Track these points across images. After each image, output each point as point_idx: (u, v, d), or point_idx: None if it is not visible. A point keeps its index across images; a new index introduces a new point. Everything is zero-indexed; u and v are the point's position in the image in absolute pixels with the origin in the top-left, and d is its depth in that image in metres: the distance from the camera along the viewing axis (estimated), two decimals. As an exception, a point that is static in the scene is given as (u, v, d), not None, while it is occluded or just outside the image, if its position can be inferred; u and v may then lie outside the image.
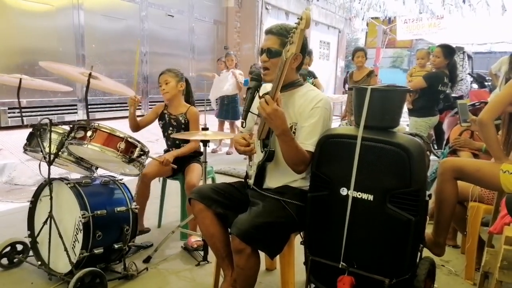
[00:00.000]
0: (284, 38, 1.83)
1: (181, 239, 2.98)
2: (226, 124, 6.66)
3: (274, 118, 1.69)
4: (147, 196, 2.92)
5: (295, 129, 1.91)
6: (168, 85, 2.97)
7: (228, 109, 6.28)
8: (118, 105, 7.15)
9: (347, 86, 6.30)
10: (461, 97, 6.09)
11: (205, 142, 2.59)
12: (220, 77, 6.25)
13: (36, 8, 5.85)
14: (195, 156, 3.06)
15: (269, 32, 1.94)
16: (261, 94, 1.77)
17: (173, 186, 3.18)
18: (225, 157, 6.20)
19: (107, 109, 7.02)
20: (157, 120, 3.12)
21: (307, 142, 1.86)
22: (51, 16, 6.07)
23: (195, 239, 2.80)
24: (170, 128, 3.02)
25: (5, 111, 5.52)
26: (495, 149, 2.14)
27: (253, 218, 1.76)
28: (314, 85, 5.47)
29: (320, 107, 1.90)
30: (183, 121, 3.01)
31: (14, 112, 5.55)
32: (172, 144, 3.03)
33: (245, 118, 1.88)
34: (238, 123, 6.53)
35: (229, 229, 1.92)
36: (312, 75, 5.77)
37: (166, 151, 3.10)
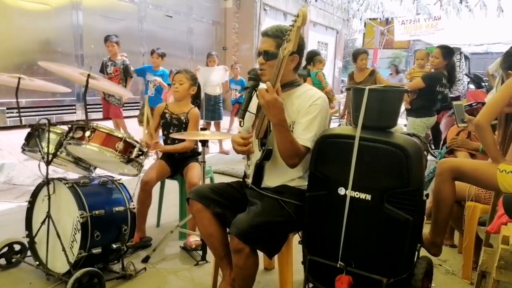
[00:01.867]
0: (280, 40, 1.84)
1: (180, 238, 2.98)
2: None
3: (272, 107, 1.68)
4: (148, 203, 2.86)
5: (293, 128, 1.92)
6: (182, 86, 2.99)
7: (214, 109, 6.28)
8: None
9: None
10: (458, 98, 6.11)
11: (204, 142, 2.60)
12: (207, 68, 6.17)
13: (34, 8, 5.84)
14: (193, 156, 3.07)
15: (265, 34, 1.95)
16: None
17: (172, 185, 3.19)
18: (223, 156, 6.21)
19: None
20: None
21: (303, 137, 1.86)
22: (50, 16, 6.07)
23: (194, 238, 2.80)
24: (171, 128, 3.03)
25: (3, 111, 5.52)
26: (493, 151, 2.16)
27: (252, 218, 1.77)
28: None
29: (318, 104, 1.91)
30: (184, 121, 3.02)
31: (12, 112, 5.54)
32: (172, 143, 3.03)
33: (243, 117, 1.88)
34: (222, 123, 6.58)
35: (227, 229, 1.93)
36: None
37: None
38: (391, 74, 10.37)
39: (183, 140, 2.97)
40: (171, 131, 3.01)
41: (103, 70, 5.50)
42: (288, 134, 1.80)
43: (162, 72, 5.60)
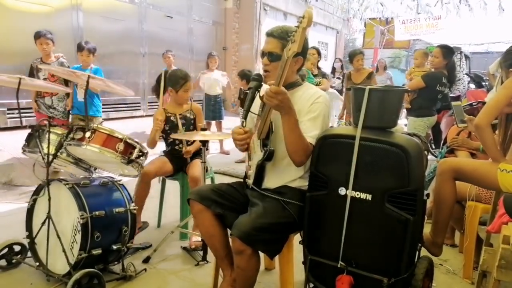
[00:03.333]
0: (285, 42, 1.82)
1: (181, 239, 2.98)
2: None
3: (285, 105, 1.70)
4: (146, 193, 2.91)
5: None
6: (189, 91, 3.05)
7: (215, 109, 6.27)
8: (117, 105, 7.13)
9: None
10: (458, 97, 6.11)
11: (204, 143, 2.60)
12: (207, 75, 6.18)
13: (35, 9, 5.84)
14: (196, 154, 3.06)
15: (270, 35, 1.94)
16: (261, 95, 1.78)
17: (173, 186, 3.19)
18: (224, 157, 6.21)
19: (106, 110, 7.01)
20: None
21: (308, 134, 1.86)
22: (50, 17, 6.06)
23: (196, 239, 2.80)
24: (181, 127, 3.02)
25: (4, 112, 5.51)
26: (493, 151, 2.16)
27: (254, 220, 1.77)
28: (318, 84, 5.51)
29: (320, 102, 1.91)
30: (191, 117, 3.05)
31: (13, 113, 5.54)
32: (177, 144, 3.04)
33: (245, 117, 1.89)
34: (224, 123, 6.53)
35: (228, 230, 1.93)
36: (323, 74, 5.77)
37: (166, 151, 3.11)
38: (377, 71, 9.69)
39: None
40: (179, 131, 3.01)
41: (33, 74, 4.28)
42: (299, 129, 1.80)
43: (94, 71, 4.42)
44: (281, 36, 1.88)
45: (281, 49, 1.85)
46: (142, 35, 7.73)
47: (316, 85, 5.56)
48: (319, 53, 6.00)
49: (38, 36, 4.21)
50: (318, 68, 5.97)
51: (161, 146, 3.21)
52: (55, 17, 6.12)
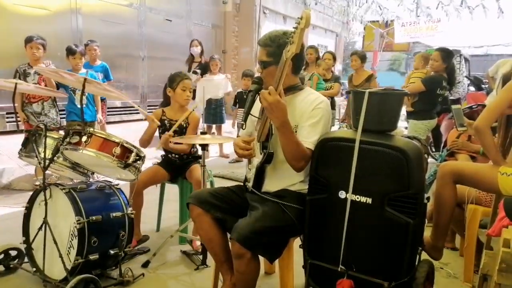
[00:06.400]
0: (269, 48, 1.90)
1: (180, 243, 2.96)
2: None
3: (275, 109, 1.67)
4: (140, 204, 2.85)
5: (296, 131, 1.91)
6: (191, 92, 3.01)
7: (216, 113, 6.20)
8: (116, 109, 7.13)
9: None
10: (458, 100, 6.11)
11: (204, 146, 2.58)
12: (208, 78, 6.09)
13: (34, 12, 5.85)
14: (194, 159, 3.04)
15: (258, 44, 2.00)
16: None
17: (172, 190, 3.17)
18: (223, 160, 6.19)
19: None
20: None
21: (308, 140, 1.86)
22: (49, 21, 6.07)
23: (199, 242, 2.77)
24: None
25: (3, 115, 5.51)
26: (493, 154, 2.14)
27: (253, 223, 1.76)
28: (330, 89, 5.49)
29: (321, 108, 1.91)
30: (184, 125, 2.99)
31: (12, 117, 5.54)
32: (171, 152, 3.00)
33: (245, 120, 1.89)
34: (224, 126, 6.48)
35: (228, 234, 1.92)
36: (335, 79, 5.74)
37: (164, 156, 3.09)
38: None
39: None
40: None
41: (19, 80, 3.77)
42: (293, 136, 1.79)
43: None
44: (266, 43, 1.93)
45: (267, 56, 1.91)
46: (141, 38, 7.75)
47: (327, 89, 5.56)
48: (334, 58, 5.98)
49: (29, 40, 4.12)
50: (332, 72, 5.97)
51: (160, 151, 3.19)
52: (54, 20, 6.13)
